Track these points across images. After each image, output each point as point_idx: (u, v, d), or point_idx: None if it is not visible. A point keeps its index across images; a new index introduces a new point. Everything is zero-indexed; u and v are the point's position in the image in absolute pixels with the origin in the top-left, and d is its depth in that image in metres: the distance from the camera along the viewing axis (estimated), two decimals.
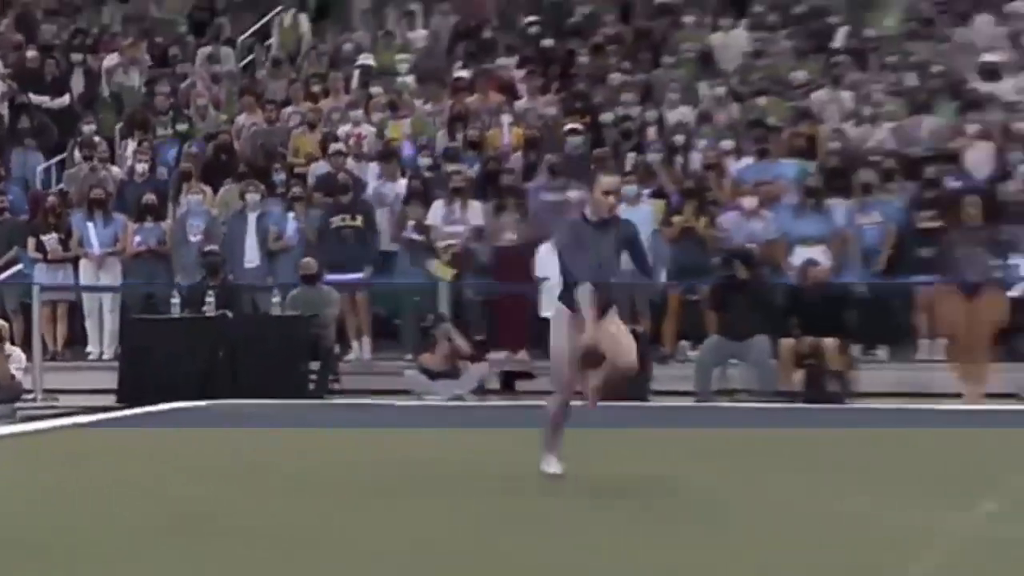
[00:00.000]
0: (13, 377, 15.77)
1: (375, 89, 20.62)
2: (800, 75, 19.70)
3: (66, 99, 21.53)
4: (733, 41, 20.83)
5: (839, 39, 20.56)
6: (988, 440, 12.18)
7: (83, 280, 18.19)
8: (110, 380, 16.49)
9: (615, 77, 20.22)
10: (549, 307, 15.98)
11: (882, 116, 18.54)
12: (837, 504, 8.39)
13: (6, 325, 16.39)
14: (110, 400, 15.97)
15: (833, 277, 16.27)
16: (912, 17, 20.67)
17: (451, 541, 7.14)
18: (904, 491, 9.01)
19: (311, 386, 16.26)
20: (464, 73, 20.61)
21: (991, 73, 18.77)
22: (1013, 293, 15.93)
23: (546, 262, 16.43)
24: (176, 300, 16.85)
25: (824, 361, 15.59)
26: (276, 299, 17.09)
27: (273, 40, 23.30)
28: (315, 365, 16.38)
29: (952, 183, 16.95)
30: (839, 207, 16.95)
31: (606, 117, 19.45)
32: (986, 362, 15.43)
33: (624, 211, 16.95)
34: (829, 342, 15.53)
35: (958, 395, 15.16)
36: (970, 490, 8.94)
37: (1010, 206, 16.68)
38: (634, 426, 13.18)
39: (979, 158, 17.45)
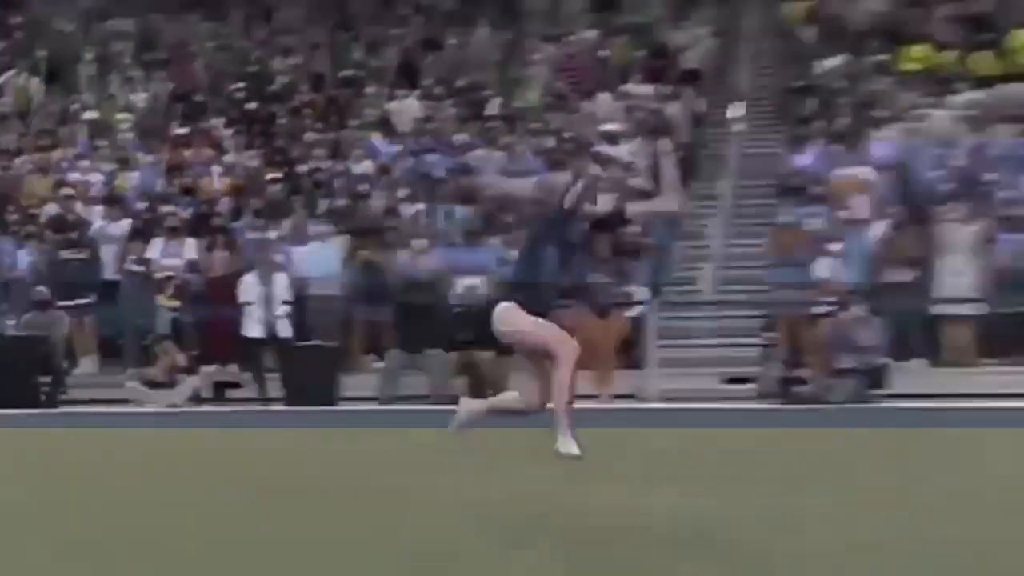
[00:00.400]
0: None
1: (101, 142, 20.06)
2: (462, 137, 19.80)
3: None
4: (407, 108, 20.82)
5: (493, 108, 20.72)
6: (611, 433, 12.44)
7: None
8: None
9: (309, 136, 20.10)
10: (253, 327, 16.01)
11: (527, 171, 18.67)
12: (483, 490, 8.29)
13: None
14: None
15: (489, 301, 16.36)
16: (550, 92, 20.95)
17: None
18: (542, 475, 8.90)
19: (43, 398, 15.70)
20: (181, 130, 20.24)
21: (611, 139, 19.05)
22: (631, 313, 16.31)
23: (249, 289, 16.27)
24: None
25: (482, 369, 15.70)
26: (11, 322, 16.51)
27: (6, 98, 22.36)
28: (47, 379, 15.82)
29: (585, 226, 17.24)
30: (493, 244, 17.04)
31: (301, 169, 19.27)
32: (613, 369, 15.79)
33: (317, 247, 17.14)
34: (488, 355, 15.57)
35: (593, 396, 15.47)
36: (592, 472, 8.94)
37: (628, 245, 17.06)
38: (325, 426, 13.08)
39: (604, 207, 17.72)
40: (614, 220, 7.13)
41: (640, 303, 16.30)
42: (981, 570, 5.47)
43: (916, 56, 19.86)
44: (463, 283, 16.38)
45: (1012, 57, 19.35)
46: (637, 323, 16.20)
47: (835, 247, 16.23)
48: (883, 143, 17.97)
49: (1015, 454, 9.93)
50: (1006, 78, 18.92)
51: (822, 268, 15.99)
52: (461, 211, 17.79)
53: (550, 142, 19.37)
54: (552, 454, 7.21)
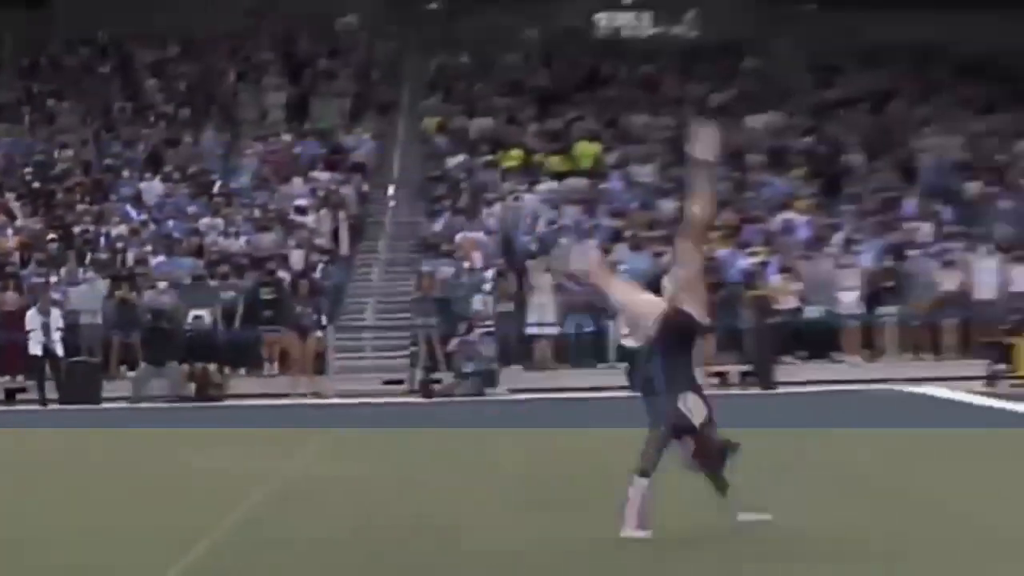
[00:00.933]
0: None
1: None
2: (193, 208, 19.62)
3: None
4: (153, 187, 20.41)
5: (216, 188, 20.51)
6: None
7: None
8: None
9: (80, 207, 19.71)
10: (36, 348, 15.60)
11: (241, 232, 18.62)
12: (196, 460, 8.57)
13: None
14: None
15: (214, 327, 16.32)
16: (257, 177, 20.89)
17: None
18: (252, 452, 8.88)
19: None
20: None
21: (302, 211, 19.16)
22: (320, 334, 16.36)
23: (32, 319, 15.78)
24: None
25: (208, 377, 15.74)
26: None
27: None
28: None
29: (284, 273, 17.15)
30: (215, 287, 16.98)
31: (74, 231, 18.93)
32: (312, 374, 15.95)
33: (85, 288, 16.73)
34: (211, 366, 15.83)
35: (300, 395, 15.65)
36: (291, 443, 9.28)
37: (319, 289, 17.06)
38: (87, 426, 12.97)
39: (297, 259, 17.72)
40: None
41: (324, 327, 16.41)
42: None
43: (513, 157, 20.75)
44: (192, 314, 16.40)
45: (576, 161, 20.82)
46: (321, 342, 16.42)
47: (487, 287, 16.48)
48: (492, 216, 18.74)
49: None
50: (572, 174, 20.37)
51: (475, 302, 16.33)
52: (194, 262, 17.72)
53: (257, 213, 19.47)
54: None
